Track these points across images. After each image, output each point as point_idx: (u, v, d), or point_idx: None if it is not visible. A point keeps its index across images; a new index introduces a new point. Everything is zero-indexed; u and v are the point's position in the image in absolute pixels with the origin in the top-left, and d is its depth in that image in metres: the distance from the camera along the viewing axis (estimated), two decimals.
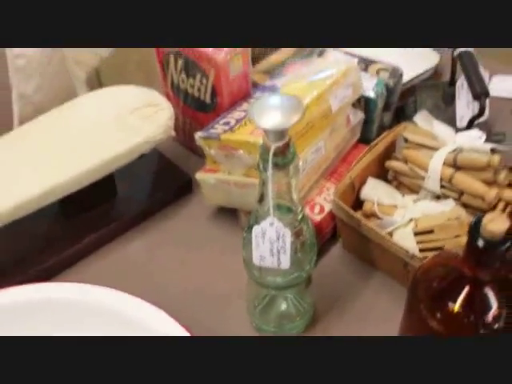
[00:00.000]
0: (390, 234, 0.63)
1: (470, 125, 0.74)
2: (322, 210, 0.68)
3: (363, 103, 0.77)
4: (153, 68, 1.25)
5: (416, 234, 0.61)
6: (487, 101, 0.74)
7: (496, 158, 0.62)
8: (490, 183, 0.63)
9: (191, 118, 0.76)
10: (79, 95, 1.00)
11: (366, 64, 0.81)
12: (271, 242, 0.52)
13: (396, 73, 0.80)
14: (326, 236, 0.69)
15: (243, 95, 0.72)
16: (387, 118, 0.81)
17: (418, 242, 0.61)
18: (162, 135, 0.68)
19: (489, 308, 0.44)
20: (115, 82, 1.25)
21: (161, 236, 0.73)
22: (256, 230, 0.52)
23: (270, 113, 0.47)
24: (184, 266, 0.69)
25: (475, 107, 0.77)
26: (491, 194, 0.61)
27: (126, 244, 0.71)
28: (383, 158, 0.70)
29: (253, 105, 0.48)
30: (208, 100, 0.71)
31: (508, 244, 0.41)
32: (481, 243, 0.42)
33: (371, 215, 0.68)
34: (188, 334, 0.53)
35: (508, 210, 0.63)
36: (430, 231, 0.60)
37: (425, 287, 0.48)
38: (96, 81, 1.17)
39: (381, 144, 0.70)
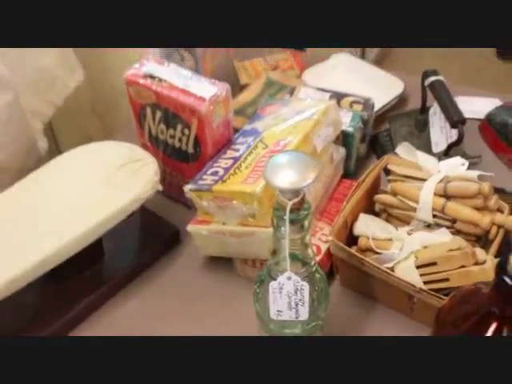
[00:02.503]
0: (391, 268, 0.64)
1: (448, 151, 0.76)
2: (318, 250, 0.67)
3: (341, 138, 0.77)
4: (108, 111, 1.23)
5: (418, 267, 0.62)
6: None
7: (486, 186, 0.63)
8: (480, 209, 0.65)
9: (172, 169, 0.74)
10: (40, 149, 0.97)
11: (338, 98, 0.82)
12: (289, 296, 0.51)
13: (369, 104, 0.81)
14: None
15: (226, 142, 0.71)
16: (362, 149, 0.83)
17: (421, 275, 0.62)
18: (150, 191, 0.66)
19: None
20: (70, 130, 1.22)
21: (155, 291, 0.70)
22: (273, 285, 0.51)
23: (284, 171, 0.46)
24: (182, 319, 0.67)
25: (448, 132, 0.79)
26: (485, 220, 0.63)
27: (120, 305, 0.69)
28: (371, 193, 0.71)
29: (267, 165, 0.47)
30: (191, 150, 0.70)
31: None
32: (509, 281, 0.43)
33: (367, 250, 0.68)
34: None
35: (500, 233, 0.65)
36: (433, 263, 0.61)
37: (451, 326, 0.48)
38: (50, 131, 1.14)
39: (368, 179, 0.71)
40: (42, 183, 0.66)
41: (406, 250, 0.64)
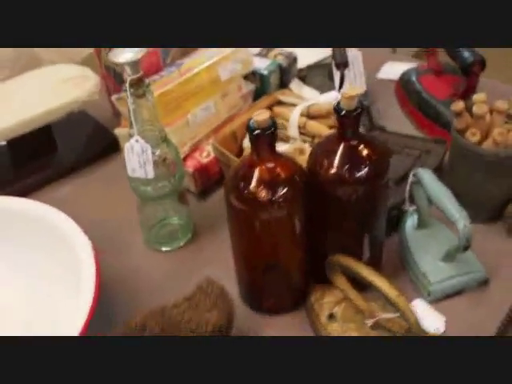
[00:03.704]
0: None
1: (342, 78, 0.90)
2: (208, 155, 0.85)
3: (259, 78, 0.94)
4: None
5: None
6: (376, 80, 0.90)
7: (328, 107, 0.79)
8: (333, 127, 0.80)
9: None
10: None
11: (267, 50, 0.99)
12: (138, 155, 0.70)
13: (290, 56, 0.98)
14: (213, 177, 0.86)
15: (155, 70, 0.90)
16: None
17: None
18: (87, 98, 0.87)
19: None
20: None
21: (90, 183, 0.91)
22: (126, 146, 0.70)
23: (123, 55, 0.65)
24: (107, 203, 0.87)
25: (353, 82, 0.94)
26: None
27: (60, 187, 0.90)
28: None
29: (112, 52, 0.66)
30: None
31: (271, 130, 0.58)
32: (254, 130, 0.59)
33: None
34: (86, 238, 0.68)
35: None
36: None
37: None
38: None
39: (260, 104, 0.87)
40: (7, 88, 0.90)
41: None
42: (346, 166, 0.61)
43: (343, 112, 0.60)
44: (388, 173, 0.65)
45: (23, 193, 0.87)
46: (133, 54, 0.65)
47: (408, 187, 0.73)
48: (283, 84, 0.97)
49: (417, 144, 0.86)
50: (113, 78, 0.95)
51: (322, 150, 0.64)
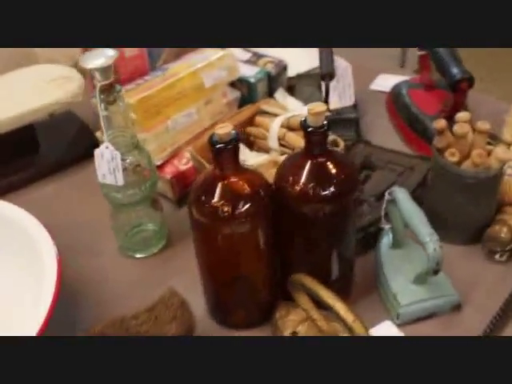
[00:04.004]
0: None
1: (326, 101, 0.89)
2: (188, 162, 0.84)
3: (246, 86, 0.93)
4: None
5: None
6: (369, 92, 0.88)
7: None
8: None
9: None
10: None
11: (257, 57, 0.98)
12: (108, 162, 0.69)
13: (280, 64, 0.97)
14: (191, 185, 0.84)
15: (140, 73, 0.89)
16: None
17: None
18: (70, 99, 0.86)
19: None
20: None
21: (73, 183, 0.91)
22: (96, 152, 0.69)
23: (94, 60, 0.64)
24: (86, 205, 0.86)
25: (347, 96, 0.92)
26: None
27: (42, 187, 0.90)
28: (247, 126, 0.86)
29: (83, 57, 0.65)
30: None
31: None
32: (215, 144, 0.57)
33: None
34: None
35: None
36: None
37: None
38: None
39: (244, 112, 0.86)
40: None
41: None
42: (312, 184, 0.60)
43: (310, 128, 0.58)
44: (356, 190, 0.63)
45: (4, 191, 0.87)
46: (104, 59, 0.64)
47: (384, 205, 0.72)
48: (271, 93, 0.96)
49: (401, 160, 0.84)
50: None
51: (290, 166, 0.63)
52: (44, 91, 0.86)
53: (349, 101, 0.93)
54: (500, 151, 0.69)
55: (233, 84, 0.92)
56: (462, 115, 0.73)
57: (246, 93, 0.94)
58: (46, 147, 0.93)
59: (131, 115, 0.80)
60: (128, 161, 0.70)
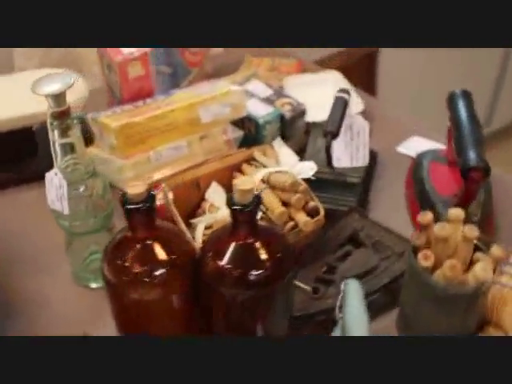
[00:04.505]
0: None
1: (329, 161, 0.81)
2: (163, 197, 0.79)
3: (254, 125, 0.87)
4: None
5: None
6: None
7: (289, 180, 0.70)
8: (288, 204, 0.71)
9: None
10: None
11: (277, 96, 0.91)
12: (56, 189, 0.66)
13: (298, 108, 0.89)
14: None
15: (145, 95, 0.86)
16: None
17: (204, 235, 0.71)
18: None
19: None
20: None
21: None
22: (47, 176, 0.66)
23: (48, 86, 0.61)
24: None
25: (354, 152, 0.84)
26: (277, 211, 0.69)
27: (28, 191, 0.89)
28: (236, 171, 0.80)
29: (38, 82, 0.62)
30: (118, 95, 0.87)
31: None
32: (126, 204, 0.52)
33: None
34: None
35: (296, 229, 0.70)
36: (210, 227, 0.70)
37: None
38: None
39: (237, 155, 0.80)
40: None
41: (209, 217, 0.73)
42: (230, 266, 0.53)
43: (235, 206, 0.51)
44: (287, 276, 0.56)
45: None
46: (59, 85, 0.61)
47: (341, 294, 0.63)
48: (286, 136, 0.89)
49: (392, 241, 0.75)
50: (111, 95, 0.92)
51: (215, 239, 0.56)
52: (39, 100, 0.85)
53: (361, 162, 0.85)
54: (479, 269, 0.58)
55: (241, 120, 0.87)
56: (453, 212, 0.63)
57: (254, 132, 0.88)
58: (44, 152, 0.91)
59: (112, 140, 0.77)
60: (81, 190, 0.67)
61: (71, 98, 0.83)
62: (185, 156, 0.82)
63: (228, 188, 0.78)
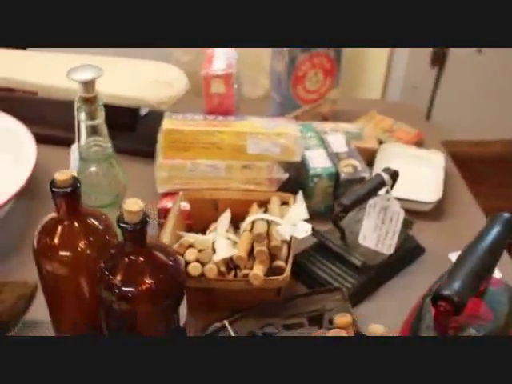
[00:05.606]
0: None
1: (341, 233, 0.78)
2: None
3: (306, 174, 0.88)
4: None
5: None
6: None
7: (257, 232, 0.71)
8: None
9: None
10: None
11: (348, 156, 0.91)
12: (73, 160, 0.76)
13: (359, 173, 0.88)
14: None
15: (223, 111, 0.91)
16: None
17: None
18: (155, 104, 0.96)
19: None
20: None
21: None
22: (72, 147, 0.77)
23: (83, 73, 0.71)
24: None
25: (382, 236, 0.79)
26: (237, 254, 0.71)
27: None
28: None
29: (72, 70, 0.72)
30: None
31: None
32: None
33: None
34: None
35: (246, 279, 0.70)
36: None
37: None
38: None
39: (261, 194, 0.84)
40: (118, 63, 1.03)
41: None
42: (114, 277, 0.58)
43: (123, 225, 0.56)
44: (167, 299, 0.59)
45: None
46: (91, 74, 0.70)
47: None
48: (337, 194, 0.88)
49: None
50: None
51: (111, 253, 0.60)
52: (141, 88, 0.97)
53: (386, 249, 0.79)
54: None
55: (300, 163, 0.88)
56: (374, 328, 0.57)
57: (304, 179, 0.88)
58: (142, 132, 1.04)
59: (160, 139, 0.85)
60: (94, 168, 0.76)
61: (162, 94, 0.95)
62: (222, 177, 0.86)
63: (241, 219, 0.80)
